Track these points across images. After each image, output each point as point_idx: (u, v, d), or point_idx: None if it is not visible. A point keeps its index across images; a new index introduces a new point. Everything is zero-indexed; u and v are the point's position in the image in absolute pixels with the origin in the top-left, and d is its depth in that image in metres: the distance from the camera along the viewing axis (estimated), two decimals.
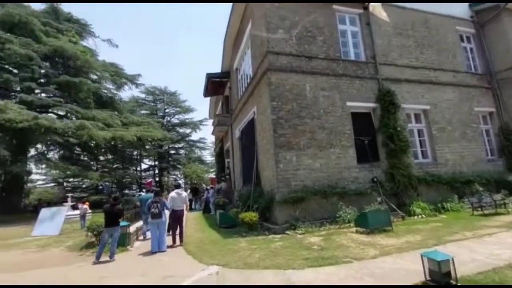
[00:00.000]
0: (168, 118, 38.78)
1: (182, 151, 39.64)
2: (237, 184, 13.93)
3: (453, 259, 3.28)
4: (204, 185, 29.29)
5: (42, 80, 22.29)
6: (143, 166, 37.40)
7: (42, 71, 21.90)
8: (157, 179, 35.91)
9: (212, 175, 28.57)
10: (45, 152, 24.17)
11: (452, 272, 3.25)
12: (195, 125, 38.10)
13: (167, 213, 7.15)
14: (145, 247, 7.16)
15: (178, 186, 8.12)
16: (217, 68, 18.90)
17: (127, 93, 69.88)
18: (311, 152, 8.43)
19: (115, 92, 28.04)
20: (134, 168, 35.51)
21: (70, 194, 20.50)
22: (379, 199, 7.89)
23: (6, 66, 20.80)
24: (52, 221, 11.28)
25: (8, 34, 19.71)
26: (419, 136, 10.43)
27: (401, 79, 10.21)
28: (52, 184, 32.54)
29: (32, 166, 22.87)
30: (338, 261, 4.61)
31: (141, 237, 8.65)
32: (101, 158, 28.90)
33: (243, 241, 6.80)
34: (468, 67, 12.10)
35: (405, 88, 10.21)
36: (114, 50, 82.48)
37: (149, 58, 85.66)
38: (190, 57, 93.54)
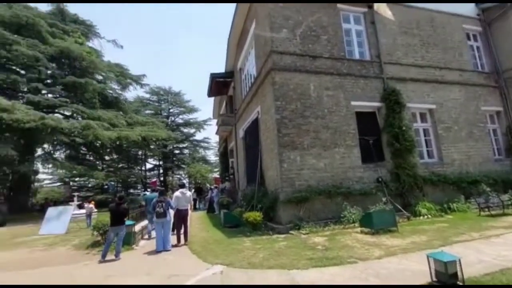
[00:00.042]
0: (173, 118, 38.99)
1: (186, 151, 39.82)
2: (241, 183, 13.95)
3: (459, 260, 3.24)
4: (208, 185, 29.42)
5: (48, 81, 22.58)
6: (148, 166, 37.71)
7: (49, 72, 22.18)
8: (161, 178, 36.13)
9: (216, 175, 28.67)
10: (52, 151, 24.50)
11: (459, 273, 3.21)
12: (199, 125, 38.24)
13: (171, 212, 7.20)
14: (150, 246, 7.22)
15: (182, 186, 8.17)
16: (220, 68, 18.90)
17: (132, 93, 70.47)
18: (315, 152, 8.41)
19: (120, 92, 28.31)
20: (139, 167, 35.77)
21: (76, 193, 20.76)
22: (384, 199, 7.84)
23: (14, 67, 21.11)
24: (58, 220, 11.42)
25: (16, 36, 19.99)
26: (424, 136, 10.32)
27: (406, 78, 10.12)
28: (58, 184, 33.01)
29: (39, 165, 23.20)
30: (342, 262, 4.59)
31: (146, 236, 8.71)
32: (107, 157, 29.20)
33: (247, 241, 6.81)
34: (475, 65, 11.94)
35: (411, 87, 10.12)
36: (116, 50, 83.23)
37: (151, 59, 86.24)
38: (193, 57, 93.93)
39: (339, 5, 9.91)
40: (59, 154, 25.28)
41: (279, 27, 8.96)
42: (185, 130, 38.90)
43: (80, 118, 21.95)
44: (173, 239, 7.16)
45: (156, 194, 8.09)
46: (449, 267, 3.16)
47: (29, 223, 14.59)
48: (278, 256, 5.22)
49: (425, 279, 3.51)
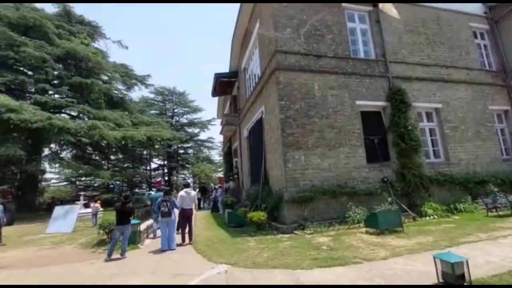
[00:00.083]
0: (177, 118, 39.18)
1: (190, 151, 39.98)
2: (245, 183, 13.97)
3: (467, 261, 3.20)
4: (212, 185, 29.52)
5: (55, 82, 22.85)
6: (153, 166, 37.94)
7: (55, 72, 22.44)
8: (166, 178, 36.34)
9: (220, 175, 28.72)
10: (59, 151, 24.80)
11: (466, 275, 3.17)
12: (203, 125, 38.36)
13: (176, 211, 7.24)
14: (155, 245, 7.27)
15: (187, 185, 8.20)
16: (224, 68, 18.92)
17: (137, 94, 71.13)
18: (320, 152, 8.38)
19: (125, 92, 28.50)
20: (144, 167, 36.05)
21: (82, 193, 21.00)
22: (389, 199, 7.78)
23: (21, 68, 21.40)
24: (65, 219, 11.56)
25: (23, 37, 20.26)
26: (431, 135, 10.22)
27: (412, 77, 10.03)
28: (65, 183, 33.44)
29: (46, 165, 23.50)
30: (347, 262, 4.57)
31: (151, 235, 8.77)
32: (112, 157, 29.45)
33: (251, 240, 6.82)
34: (482, 64, 11.78)
35: (416, 86, 10.01)
36: (121, 50, 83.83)
37: (155, 59, 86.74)
38: (197, 57, 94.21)
39: (343, 4, 9.86)
40: (66, 154, 25.58)
41: (283, 27, 8.95)
42: (190, 130, 39.08)
43: (86, 118, 22.18)
44: (177, 238, 7.20)
45: (161, 193, 8.15)
46: (456, 268, 3.12)
47: (37, 221, 14.81)
48: (282, 256, 5.21)
49: (432, 281, 3.47)
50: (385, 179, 8.64)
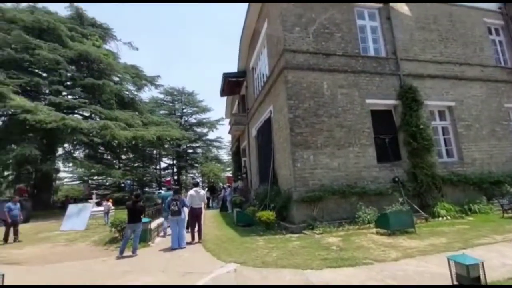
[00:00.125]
0: (186, 118, 39.58)
1: (199, 150, 40.34)
2: (253, 183, 13.99)
3: (482, 264, 3.11)
4: (221, 184, 29.69)
5: (68, 83, 23.45)
6: (162, 165, 38.47)
7: (69, 74, 23.04)
8: (175, 177, 36.78)
9: (229, 174, 28.87)
10: (72, 151, 25.48)
11: (482, 277, 3.08)
12: (212, 125, 38.60)
13: (186, 210, 7.32)
14: (165, 243, 7.38)
15: (196, 184, 8.29)
16: (232, 67, 18.98)
17: (147, 94, 72.17)
18: (329, 151, 8.31)
19: (135, 93, 28.98)
20: (153, 166, 36.57)
21: (94, 191, 21.47)
22: (400, 199, 7.65)
23: (36, 70, 22.09)
24: (78, 217, 11.86)
25: (38, 40, 20.86)
26: (443, 134, 9.98)
27: (424, 74, 9.81)
28: (78, 182, 34.32)
29: (60, 164, 24.18)
30: (358, 263, 4.51)
31: (162, 233, 8.90)
32: (123, 157, 30.02)
33: (260, 240, 6.82)
34: (497, 60, 11.42)
35: (429, 84, 9.80)
36: (128, 50, 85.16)
37: (164, 59, 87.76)
38: (206, 57, 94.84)
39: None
40: (79, 154, 26.26)
41: (291, 26, 8.90)
42: (198, 130, 39.41)
43: (98, 119, 22.67)
44: (187, 236, 7.28)
45: (171, 192, 8.25)
46: (471, 270, 3.04)
47: (51, 219, 15.24)
48: (291, 255, 5.20)
49: (446, 283, 3.39)
50: (396, 179, 8.49)
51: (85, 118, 23.29)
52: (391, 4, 9.70)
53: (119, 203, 19.69)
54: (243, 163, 18.64)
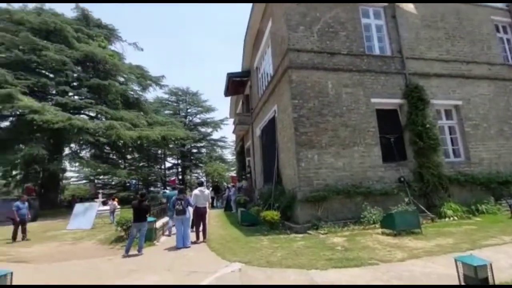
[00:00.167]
0: (190, 118, 39.75)
1: (203, 150, 40.49)
2: (258, 182, 13.99)
3: (491, 265, 3.07)
4: (225, 183, 29.76)
5: (75, 84, 23.73)
6: (167, 165, 38.69)
7: (75, 75, 23.31)
8: (180, 177, 36.97)
9: (233, 174, 28.90)
10: (78, 151, 25.80)
11: (490, 279, 3.04)
12: (216, 124, 38.72)
13: (190, 209, 7.35)
14: (170, 242, 7.43)
15: (201, 184, 8.33)
16: (236, 67, 18.99)
17: (151, 94, 72.55)
18: (334, 151, 8.26)
19: (140, 93, 29.18)
20: (158, 166, 36.81)
21: (100, 191, 21.70)
22: (406, 199, 7.57)
23: (43, 71, 22.39)
24: (84, 216, 12.00)
25: (45, 41, 21.14)
26: (450, 134, 9.86)
27: (430, 73, 9.70)
28: (84, 181, 34.74)
29: (66, 164, 24.50)
30: (363, 263, 4.49)
31: (167, 233, 8.95)
32: (128, 156, 30.26)
33: (264, 240, 6.82)
34: (505, 59, 11.22)
35: (435, 83, 9.68)
36: (133, 51, 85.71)
37: (168, 59, 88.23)
38: (209, 57, 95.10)
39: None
40: (85, 153, 26.57)
41: (296, 25, 8.87)
42: (203, 130, 39.56)
43: (104, 119, 22.89)
44: (192, 236, 7.31)
45: (176, 191, 8.29)
46: (479, 271, 3.00)
47: (58, 218, 15.44)
48: (296, 255, 5.19)
49: (453, 284, 3.35)
50: (402, 179, 8.41)
51: (91, 118, 23.54)
52: (397, 4, 9.60)
53: (125, 202, 19.87)
54: (247, 162, 18.66)
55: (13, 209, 9.34)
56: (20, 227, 9.34)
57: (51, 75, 22.33)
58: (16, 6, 22.18)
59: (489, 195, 8.76)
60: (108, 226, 11.55)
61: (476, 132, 9.73)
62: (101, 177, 32.04)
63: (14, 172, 22.06)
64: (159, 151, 34.29)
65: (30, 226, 10.29)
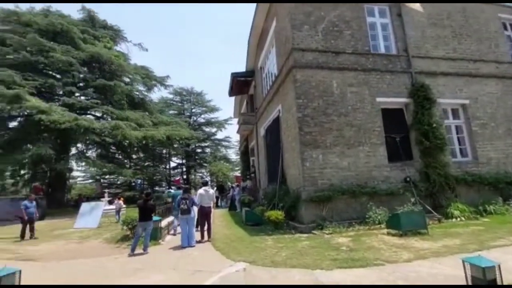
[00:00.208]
0: (195, 118, 39.91)
1: (208, 150, 40.64)
2: (262, 182, 13.99)
3: (499, 266, 3.02)
4: (229, 183, 29.83)
5: (81, 84, 24.03)
6: (172, 164, 38.91)
7: (81, 75, 23.59)
8: (184, 176, 37.15)
9: (238, 173, 28.95)
10: (85, 150, 26.12)
11: (498, 280, 3.00)
12: (220, 124, 38.82)
13: (195, 209, 7.39)
14: (175, 241, 7.47)
15: (205, 184, 8.34)
16: (240, 67, 19.01)
17: (156, 94, 73.11)
18: (339, 150, 8.22)
19: (145, 93, 29.42)
20: (163, 166, 37.07)
21: (106, 190, 21.93)
22: (412, 200, 7.49)
23: (50, 72, 22.71)
24: (91, 215, 12.14)
25: (52, 43, 21.43)
26: (457, 133, 9.73)
27: (436, 72, 9.57)
28: (90, 181, 35.14)
29: (73, 163, 24.81)
30: (368, 263, 4.45)
31: (172, 232, 9.01)
32: (134, 156, 30.53)
33: (269, 239, 6.82)
34: None
35: (441, 82, 9.56)
36: (138, 51, 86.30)
37: (173, 59, 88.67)
38: (214, 57, 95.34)
39: None
40: (91, 153, 26.90)
41: (300, 24, 8.84)
42: (207, 129, 39.70)
43: (109, 119, 23.13)
44: (197, 235, 7.34)
45: (180, 191, 8.34)
46: (487, 272, 2.95)
47: (65, 217, 15.64)
48: (301, 255, 5.18)
49: (460, 284, 3.31)
50: (408, 179, 8.33)
51: (97, 118, 23.81)
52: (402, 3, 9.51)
53: (130, 202, 20.03)
54: (251, 162, 18.67)
55: (21, 208, 9.49)
56: (28, 225, 9.49)
57: (58, 76, 22.63)
58: (23, 7, 22.54)
59: (497, 196, 8.61)
60: (114, 225, 11.66)
61: (484, 131, 9.58)
62: (107, 176, 32.38)
63: (22, 172, 22.42)
64: (164, 151, 34.52)
65: (37, 224, 10.43)
